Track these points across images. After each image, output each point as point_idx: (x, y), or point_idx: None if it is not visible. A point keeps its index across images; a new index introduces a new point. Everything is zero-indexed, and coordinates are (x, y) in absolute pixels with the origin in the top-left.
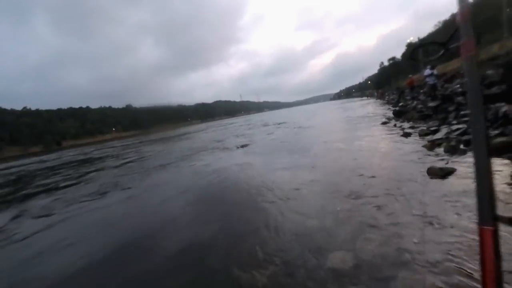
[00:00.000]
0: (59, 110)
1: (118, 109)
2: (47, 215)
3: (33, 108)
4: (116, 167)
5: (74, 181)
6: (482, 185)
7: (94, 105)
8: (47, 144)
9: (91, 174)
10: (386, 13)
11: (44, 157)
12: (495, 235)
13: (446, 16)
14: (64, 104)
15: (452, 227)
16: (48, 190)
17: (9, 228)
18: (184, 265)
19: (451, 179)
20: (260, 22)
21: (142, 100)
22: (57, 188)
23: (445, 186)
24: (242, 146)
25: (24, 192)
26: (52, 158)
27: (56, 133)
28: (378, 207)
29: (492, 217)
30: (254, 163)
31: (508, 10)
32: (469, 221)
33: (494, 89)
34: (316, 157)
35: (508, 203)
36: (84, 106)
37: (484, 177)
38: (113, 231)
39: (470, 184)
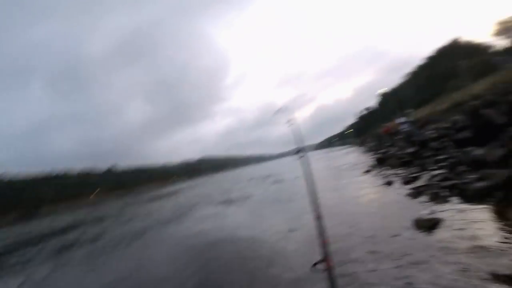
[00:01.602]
0: (39, 174)
1: (100, 171)
2: None
3: (14, 172)
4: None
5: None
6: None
7: (78, 165)
8: (24, 211)
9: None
10: (358, 67)
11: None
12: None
13: (410, 68)
14: (48, 166)
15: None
16: None
17: None
18: None
19: (438, 231)
20: (242, 81)
21: (126, 160)
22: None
23: (434, 240)
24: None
25: None
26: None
27: (35, 199)
28: (369, 270)
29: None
30: (245, 222)
31: (463, 60)
32: (464, 278)
33: (465, 133)
34: (298, 212)
35: (502, 257)
36: (68, 167)
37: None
38: None
39: (459, 236)
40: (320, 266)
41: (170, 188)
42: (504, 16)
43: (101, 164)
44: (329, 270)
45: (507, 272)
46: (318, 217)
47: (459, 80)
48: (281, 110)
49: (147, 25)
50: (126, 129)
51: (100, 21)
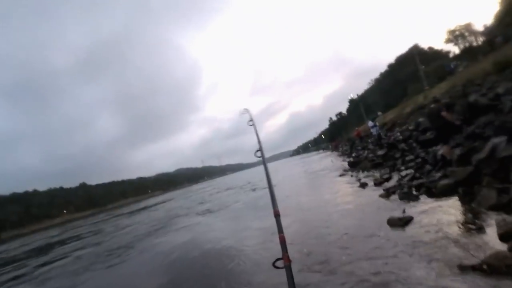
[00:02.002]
0: (1, 196)
1: (70, 189)
2: None
3: None
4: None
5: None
6: None
7: (43, 186)
8: None
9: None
10: (326, 74)
11: None
12: None
13: (375, 74)
14: (8, 189)
15: (421, 280)
16: None
17: None
18: None
19: (410, 228)
20: (215, 91)
21: (98, 176)
22: None
23: (406, 236)
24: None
25: None
26: None
27: None
28: (346, 269)
29: None
30: (221, 227)
31: (423, 67)
32: (437, 274)
33: (428, 135)
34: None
35: (468, 249)
36: (31, 189)
37: None
38: None
39: (429, 231)
40: (279, 264)
41: (147, 202)
42: (453, 24)
43: (71, 182)
44: (287, 267)
45: (471, 262)
46: (276, 215)
47: (420, 85)
48: (244, 111)
49: (112, 35)
50: (96, 144)
51: (63, 32)
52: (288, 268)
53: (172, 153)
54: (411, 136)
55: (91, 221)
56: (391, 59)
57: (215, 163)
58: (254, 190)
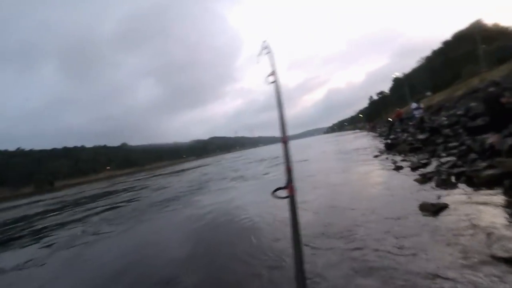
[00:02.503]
0: (53, 149)
1: (112, 148)
2: None
3: (28, 148)
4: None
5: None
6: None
7: (89, 144)
8: (38, 184)
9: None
10: (371, 51)
11: (35, 198)
12: None
13: (426, 52)
14: (61, 144)
15: (443, 267)
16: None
17: None
18: None
19: (443, 215)
20: (254, 62)
21: (137, 138)
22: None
23: (437, 223)
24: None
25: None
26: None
27: (48, 173)
28: (372, 249)
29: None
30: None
31: (483, 46)
32: (462, 259)
33: (479, 121)
34: (308, 192)
35: (503, 241)
36: (79, 145)
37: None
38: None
39: (462, 220)
40: (281, 193)
41: (182, 166)
42: None
43: (113, 142)
44: (291, 197)
45: (505, 255)
46: (284, 142)
47: (477, 66)
48: (265, 50)
49: (158, 6)
50: (137, 108)
51: (111, 2)
52: (292, 199)
53: (206, 121)
54: (459, 122)
55: (134, 178)
56: (447, 35)
57: (247, 134)
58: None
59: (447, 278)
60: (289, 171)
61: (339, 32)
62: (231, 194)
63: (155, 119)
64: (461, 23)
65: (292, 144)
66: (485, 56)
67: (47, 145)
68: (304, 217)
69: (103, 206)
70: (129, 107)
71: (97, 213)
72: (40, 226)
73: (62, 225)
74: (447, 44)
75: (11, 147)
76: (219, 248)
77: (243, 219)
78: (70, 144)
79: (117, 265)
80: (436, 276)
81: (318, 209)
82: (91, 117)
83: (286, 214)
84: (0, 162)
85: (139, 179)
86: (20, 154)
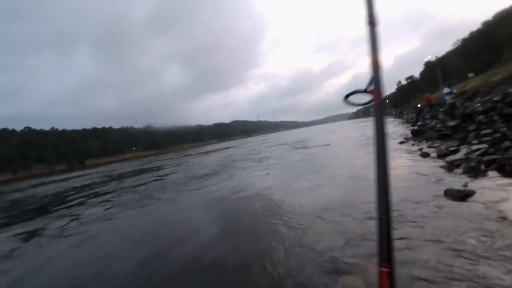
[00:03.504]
0: (84, 130)
1: (138, 129)
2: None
3: (61, 128)
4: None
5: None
6: (382, 226)
7: (116, 125)
8: (70, 162)
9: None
10: (401, 34)
11: (69, 175)
12: (391, 276)
13: (464, 34)
14: (90, 125)
15: (467, 252)
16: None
17: None
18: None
19: (469, 202)
20: (278, 47)
21: (162, 120)
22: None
23: (462, 209)
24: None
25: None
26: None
27: (79, 152)
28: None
29: (388, 258)
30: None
31: None
32: (485, 247)
33: None
34: (333, 175)
35: None
36: (107, 126)
37: (384, 219)
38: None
39: (489, 207)
40: (359, 99)
41: (205, 148)
42: None
43: (139, 123)
44: (378, 104)
45: None
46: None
47: None
48: None
49: None
50: (162, 92)
51: None
52: (380, 106)
53: (229, 105)
54: (494, 108)
55: (162, 159)
56: (488, 16)
57: (269, 118)
58: (307, 148)
59: (470, 259)
60: (376, 64)
61: None
62: (252, 174)
63: (179, 102)
64: (505, 1)
65: (312, 129)
66: None
67: (80, 126)
68: (325, 200)
69: (149, 178)
70: (154, 90)
71: (145, 183)
72: (102, 192)
73: (120, 191)
74: (487, 25)
75: (46, 127)
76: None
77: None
78: (100, 124)
79: (177, 215)
80: (456, 257)
81: (344, 193)
82: (119, 100)
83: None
84: (38, 140)
85: (168, 159)
86: (54, 133)
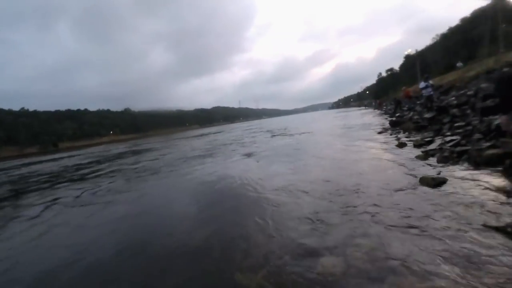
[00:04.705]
0: (57, 111)
1: (116, 113)
2: None
3: (32, 109)
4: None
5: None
6: None
7: (95, 107)
8: (43, 145)
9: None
10: (385, 27)
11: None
12: None
13: (443, 29)
14: (68, 105)
15: (438, 234)
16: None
17: None
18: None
19: (442, 188)
20: (265, 32)
21: (143, 103)
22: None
23: (436, 195)
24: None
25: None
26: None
27: (53, 134)
28: (370, 215)
29: None
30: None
31: (503, 25)
32: (458, 229)
33: (488, 102)
34: (312, 164)
35: (496, 213)
36: (85, 108)
37: None
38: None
39: (460, 194)
40: None
41: (188, 133)
42: None
43: (117, 107)
44: None
45: (496, 224)
46: None
47: (494, 47)
48: None
49: None
50: (144, 74)
51: None
52: None
53: (212, 91)
54: (468, 102)
55: (145, 142)
56: (465, 14)
57: (252, 105)
58: (291, 135)
59: (440, 239)
60: None
61: (359, 2)
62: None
63: (162, 85)
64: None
65: (296, 117)
66: (505, 36)
67: (57, 106)
68: (305, 197)
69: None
70: (137, 72)
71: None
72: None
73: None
74: (465, 22)
75: (17, 107)
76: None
77: None
78: (79, 106)
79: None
80: (429, 237)
81: (315, 179)
82: (99, 80)
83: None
84: (9, 121)
85: (156, 142)
86: (25, 114)
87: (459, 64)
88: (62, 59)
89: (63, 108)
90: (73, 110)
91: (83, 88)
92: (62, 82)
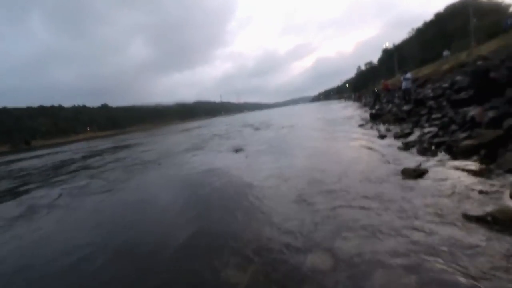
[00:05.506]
0: (29, 108)
1: (93, 108)
2: None
3: (1, 106)
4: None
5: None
6: None
7: (71, 103)
8: (15, 143)
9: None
10: (364, 20)
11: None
12: None
13: (418, 24)
14: (41, 101)
15: (423, 225)
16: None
17: None
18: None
19: (423, 180)
20: (247, 26)
21: (122, 98)
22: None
23: (418, 186)
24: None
25: None
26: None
27: (25, 131)
28: (357, 208)
29: None
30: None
31: (474, 20)
32: (437, 217)
33: (462, 94)
34: (294, 157)
35: (476, 203)
36: (61, 103)
37: None
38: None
39: (440, 185)
40: None
41: (169, 129)
42: None
43: (94, 102)
44: None
45: (475, 213)
46: None
47: (467, 41)
48: None
49: None
50: (122, 67)
51: None
52: None
53: (193, 85)
54: (443, 95)
55: (125, 138)
56: (439, 9)
57: (233, 99)
58: (272, 128)
59: (422, 231)
60: None
61: None
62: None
63: (140, 79)
64: None
65: (277, 111)
66: (476, 31)
67: (28, 103)
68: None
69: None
70: (117, 65)
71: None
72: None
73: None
74: (439, 17)
75: None
76: None
77: None
78: (54, 101)
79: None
80: (412, 229)
81: (297, 172)
82: (75, 75)
83: None
84: None
85: (137, 138)
86: None
87: (445, 53)
88: (34, 53)
89: (35, 104)
90: (46, 106)
91: (57, 83)
92: (35, 76)
